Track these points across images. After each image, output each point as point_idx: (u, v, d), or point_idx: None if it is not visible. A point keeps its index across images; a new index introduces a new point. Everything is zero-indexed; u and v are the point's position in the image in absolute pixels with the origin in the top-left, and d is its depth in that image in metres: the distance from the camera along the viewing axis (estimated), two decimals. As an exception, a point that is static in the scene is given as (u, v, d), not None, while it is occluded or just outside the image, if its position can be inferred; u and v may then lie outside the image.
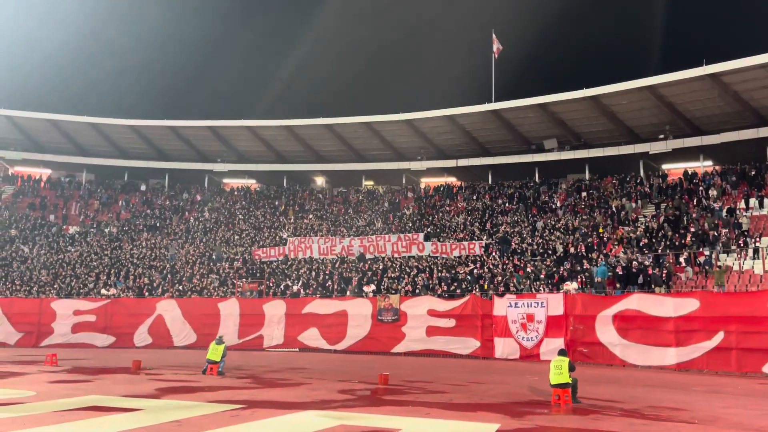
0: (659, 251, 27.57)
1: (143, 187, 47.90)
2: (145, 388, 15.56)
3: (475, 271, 30.06)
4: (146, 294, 33.16)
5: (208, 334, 26.59)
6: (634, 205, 33.83)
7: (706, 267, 25.67)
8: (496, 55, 41.43)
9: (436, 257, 33.57)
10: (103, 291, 33.22)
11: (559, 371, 13.60)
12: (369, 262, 34.31)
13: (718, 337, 20.98)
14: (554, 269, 28.23)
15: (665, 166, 37.62)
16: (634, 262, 25.98)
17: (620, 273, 25.82)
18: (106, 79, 75.32)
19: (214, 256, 37.25)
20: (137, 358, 21.41)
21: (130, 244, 39.87)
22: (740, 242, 26.52)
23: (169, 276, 35.01)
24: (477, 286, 28.55)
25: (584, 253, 29.05)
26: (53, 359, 21.34)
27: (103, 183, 48.09)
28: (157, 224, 42.63)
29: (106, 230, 41.95)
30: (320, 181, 48.08)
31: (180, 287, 33.53)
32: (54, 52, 66.29)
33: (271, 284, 33.27)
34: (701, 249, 26.91)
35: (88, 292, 33.29)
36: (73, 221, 43.66)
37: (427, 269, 31.55)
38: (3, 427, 10.32)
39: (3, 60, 69.22)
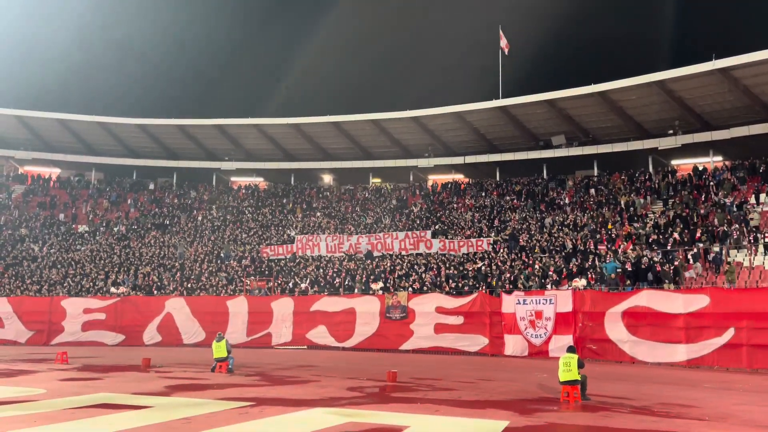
0: (669, 247, 27.41)
1: (152, 186, 48.10)
2: (155, 386, 15.64)
3: (483, 268, 29.99)
4: (155, 292, 33.33)
5: (216, 332, 26.59)
6: (643, 201, 33.65)
7: (716, 263, 25.49)
8: (506, 51, 41.25)
9: (444, 254, 33.53)
10: (113, 289, 33.39)
11: (568, 368, 13.54)
12: (377, 259, 34.32)
13: (729, 334, 20.84)
14: (563, 266, 28.12)
15: (674, 162, 37.33)
16: (644, 259, 25.83)
17: (629, 269, 25.68)
18: (114, 79, 75.84)
19: (222, 254, 37.37)
20: (147, 355, 21.54)
21: (139, 243, 40.06)
22: (750, 238, 26.31)
23: (177, 274, 35.15)
24: (485, 283, 28.49)
25: (593, 250, 28.93)
26: (63, 357, 21.49)
27: (112, 182, 48.32)
28: (166, 222, 42.80)
29: (115, 229, 42.16)
30: (328, 178, 48.08)
31: (189, 285, 33.66)
32: (62, 52, 66.70)
33: (279, 282, 33.36)
34: (711, 245, 26.73)
35: (97, 291, 33.49)
36: (82, 220, 43.92)
37: (435, 266, 31.53)
38: (14, 424, 10.39)
39: (12, 60, 69.70)
